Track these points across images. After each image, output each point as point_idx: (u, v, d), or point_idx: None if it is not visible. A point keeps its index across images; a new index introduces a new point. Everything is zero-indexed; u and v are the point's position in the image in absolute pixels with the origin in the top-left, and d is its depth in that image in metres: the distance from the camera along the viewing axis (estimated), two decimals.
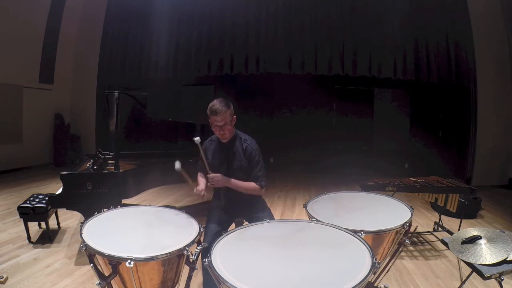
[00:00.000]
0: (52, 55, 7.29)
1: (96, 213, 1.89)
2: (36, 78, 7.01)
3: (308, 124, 7.33)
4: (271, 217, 2.11)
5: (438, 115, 7.00)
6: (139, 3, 7.31)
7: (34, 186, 5.41)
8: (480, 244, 1.80)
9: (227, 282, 1.13)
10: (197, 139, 1.97)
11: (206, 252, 1.39)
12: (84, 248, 1.47)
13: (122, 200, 2.96)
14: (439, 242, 3.34)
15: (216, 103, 2.00)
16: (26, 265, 2.73)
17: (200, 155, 2.06)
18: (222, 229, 2.09)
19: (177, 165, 2.02)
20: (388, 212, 1.94)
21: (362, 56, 6.73)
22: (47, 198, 3.22)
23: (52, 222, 3.49)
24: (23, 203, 3.15)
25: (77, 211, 2.87)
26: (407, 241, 1.89)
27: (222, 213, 2.21)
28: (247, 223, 2.15)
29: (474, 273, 1.90)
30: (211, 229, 2.05)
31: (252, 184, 2.13)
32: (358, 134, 7.31)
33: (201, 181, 2.23)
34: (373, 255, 1.27)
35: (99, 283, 1.46)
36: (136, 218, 1.82)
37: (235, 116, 2.11)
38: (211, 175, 2.05)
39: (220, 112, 1.98)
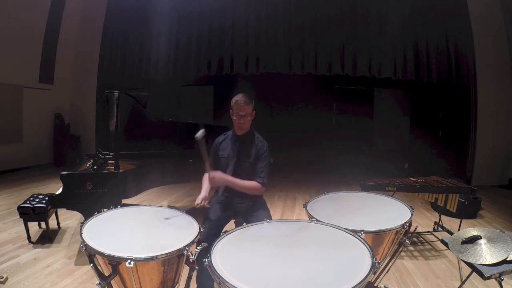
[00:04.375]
0: (52, 55, 7.28)
1: (96, 213, 1.89)
2: (36, 78, 7.00)
3: (308, 124, 7.32)
4: (269, 218, 2.12)
5: (438, 115, 7.00)
6: (139, 3, 7.30)
7: (34, 186, 5.40)
8: (480, 244, 1.80)
9: (227, 282, 1.13)
10: (199, 134, 1.92)
11: (205, 251, 1.39)
12: (84, 248, 1.48)
13: (122, 200, 2.96)
14: (439, 242, 3.34)
15: (241, 95, 2.19)
16: (26, 265, 2.73)
17: (200, 150, 2.01)
18: (219, 227, 2.10)
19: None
20: (388, 212, 1.94)
21: (362, 56, 6.71)
22: (47, 198, 3.22)
23: (52, 222, 3.49)
24: (23, 203, 3.15)
25: (77, 211, 2.87)
26: (407, 241, 1.89)
27: (220, 210, 2.22)
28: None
29: (474, 273, 1.90)
30: (206, 226, 2.05)
31: (252, 183, 2.15)
32: (358, 134, 7.31)
33: (204, 186, 2.21)
34: (373, 255, 1.27)
35: (99, 283, 1.46)
36: (136, 218, 1.82)
37: (254, 111, 2.24)
38: (211, 173, 2.06)
39: (245, 103, 2.16)
